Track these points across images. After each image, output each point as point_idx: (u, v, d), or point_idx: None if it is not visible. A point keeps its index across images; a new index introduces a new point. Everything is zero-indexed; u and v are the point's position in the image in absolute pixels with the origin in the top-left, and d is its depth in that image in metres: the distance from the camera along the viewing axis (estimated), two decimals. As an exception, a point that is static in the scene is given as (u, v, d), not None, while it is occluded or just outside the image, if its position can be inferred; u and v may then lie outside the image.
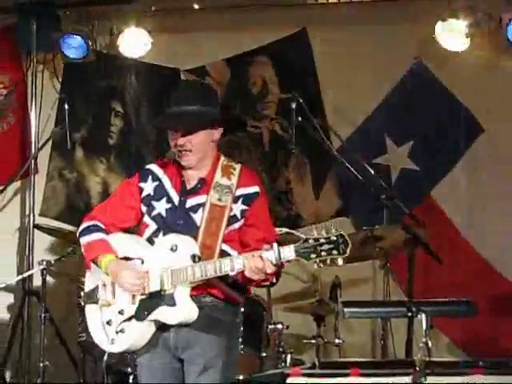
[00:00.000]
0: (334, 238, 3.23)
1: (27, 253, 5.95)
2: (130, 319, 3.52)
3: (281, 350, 4.84)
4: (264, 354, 4.79)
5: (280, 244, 3.34)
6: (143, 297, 3.51)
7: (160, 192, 3.65)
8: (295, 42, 6.05)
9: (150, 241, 3.61)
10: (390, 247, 5.06)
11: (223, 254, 3.51)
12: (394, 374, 3.23)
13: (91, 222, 3.69)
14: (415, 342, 4.31)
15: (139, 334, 3.53)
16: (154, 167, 3.73)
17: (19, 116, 6.31)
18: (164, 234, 3.56)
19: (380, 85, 5.91)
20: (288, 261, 3.34)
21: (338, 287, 4.85)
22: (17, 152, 6.25)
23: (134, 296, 3.53)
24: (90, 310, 3.67)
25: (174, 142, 3.59)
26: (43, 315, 5.19)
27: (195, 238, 3.50)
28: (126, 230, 3.73)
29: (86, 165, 6.30)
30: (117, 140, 6.30)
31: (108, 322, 3.57)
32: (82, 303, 3.75)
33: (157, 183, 3.67)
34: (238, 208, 3.58)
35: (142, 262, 3.56)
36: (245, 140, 6.07)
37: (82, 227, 3.71)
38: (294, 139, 4.89)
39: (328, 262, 3.25)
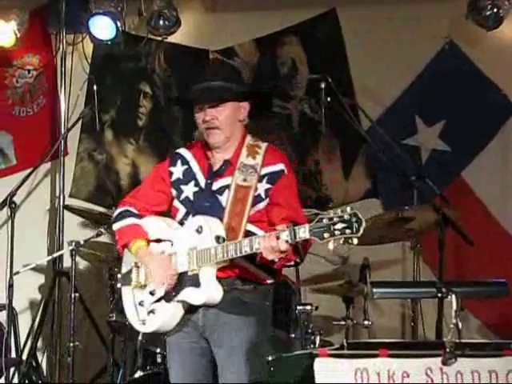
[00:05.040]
0: (348, 217, 3.17)
1: (57, 234, 5.98)
2: (160, 300, 3.54)
3: (309, 331, 4.83)
4: (293, 335, 4.78)
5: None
6: None
7: (188, 175, 3.66)
8: (325, 21, 6.00)
9: (181, 224, 3.62)
10: (420, 228, 5.01)
11: (249, 234, 3.48)
12: (423, 356, 3.22)
13: (124, 208, 3.71)
14: (445, 324, 4.27)
15: (169, 314, 3.54)
16: (182, 151, 3.74)
17: (49, 98, 6.32)
18: (193, 218, 3.57)
19: (411, 64, 5.85)
20: (305, 240, 3.30)
21: (368, 268, 4.80)
22: (47, 133, 6.28)
23: None
24: (125, 292, 3.70)
25: (202, 119, 3.59)
26: (73, 295, 5.22)
27: (221, 219, 3.50)
28: (161, 215, 3.74)
29: (115, 146, 6.31)
30: (145, 121, 6.30)
31: (140, 303, 3.60)
32: (119, 285, 3.76)
33: (185, 167, 3.68)
34: (262, 187, 3.56)
35: (172, 244, 3.57)
36: (274, 121, 6.04)
37: (115, 214, 3.74)
38: (323, 120, 4.86)
39: (342, 241, 3.20)
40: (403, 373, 3.20)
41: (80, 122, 5.84)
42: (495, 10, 5.47)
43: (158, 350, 4.66)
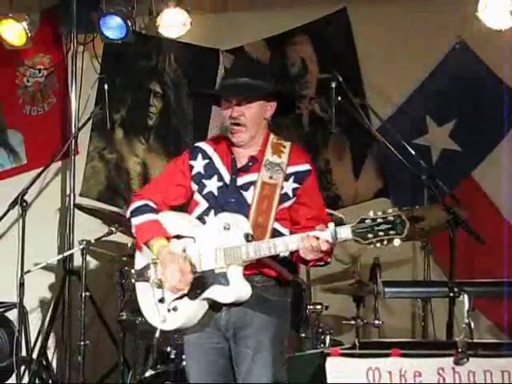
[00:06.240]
0: (392, 218, 3.18)
1: (68, 232, 5.99)
2: (182, 297, 3.47)
3: (320, 330, 4.83)
4: (303, 335, 4.78)
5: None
6: (196, 275, 3.46)
7: (211, 170, 3.61)
8: (335, 21, 6.00)
9: (201, 219, 3.57)
10: (430, 228, 5.00)
11: (274, 232, 3.47)
12: (436, 355, 3.21)
13: (142, 202, 3.63)
14: (456, 324, 4.27)
15: (192, 312, 3.48)
16: (203, 145, 3.68)
17: (60, 97, 6.35)
18: (215, 213, 3.52)
19: (421, 64, 5.84)
20: (344, 241, 3.29)
21: (378, 268, 4.80)
22: (58, 132, 6.30)
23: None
24: (141, 288, 3.62)
25: (229, 115, 3.55)
26: (83, 294, 5.23)
27: (247, 216, 3.46)
28: (175, 208, 3.69)
29: (125, 145, 6.32)
30: (156, 121, 6.32)
31: (160, 300, 3.51)
32: (133, 281, 3.66)
33: (207, 161, 3.63)
34: (289, 186, 3.54)
35: (194, 241, 3.51)
36: (284, 120, 6.03)
37: (132, 207, 3.65)
38: (333, 119, 4.85)
39: (385, 242, 3.20)
40: (415, 372, 3.20)
41: (90, 121, 5.85)
42: (506, 8, 5.46)
43: (169, 349, 4.66)
